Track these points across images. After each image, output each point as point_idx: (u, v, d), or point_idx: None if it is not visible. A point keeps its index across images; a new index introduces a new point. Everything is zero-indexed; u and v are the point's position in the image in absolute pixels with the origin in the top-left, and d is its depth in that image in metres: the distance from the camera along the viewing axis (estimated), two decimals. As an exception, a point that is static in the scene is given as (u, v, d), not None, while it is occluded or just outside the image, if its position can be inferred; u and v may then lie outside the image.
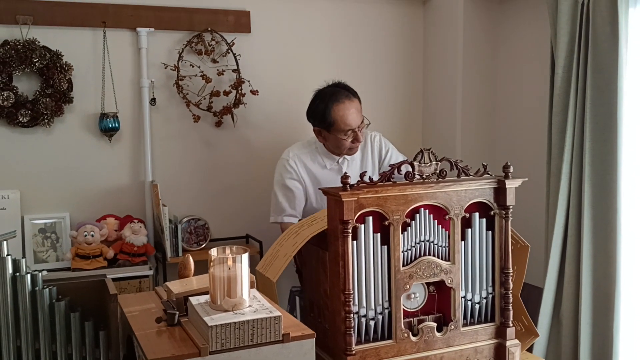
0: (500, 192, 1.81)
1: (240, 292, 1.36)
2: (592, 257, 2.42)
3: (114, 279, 1.64)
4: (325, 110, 2.55)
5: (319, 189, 1.82)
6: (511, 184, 1.79)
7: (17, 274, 1.36)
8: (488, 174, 1.81)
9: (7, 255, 1.36)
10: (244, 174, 3.18)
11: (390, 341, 1.71)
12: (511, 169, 1.80)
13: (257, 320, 1.29)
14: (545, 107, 2.65)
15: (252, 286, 1.45)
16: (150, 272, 2.77)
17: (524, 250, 1.94)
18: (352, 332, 1.63)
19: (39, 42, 2.75)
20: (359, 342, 1.68)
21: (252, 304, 1.39)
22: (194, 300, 1.40)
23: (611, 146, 2.36)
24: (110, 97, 2.91)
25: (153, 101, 2.97)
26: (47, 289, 1.38)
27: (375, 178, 1.62)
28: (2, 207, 2.76)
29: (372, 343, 1.70)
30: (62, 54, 2.79)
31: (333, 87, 2.64)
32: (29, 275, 1.37)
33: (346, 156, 2.68)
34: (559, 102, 2.52)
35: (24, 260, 1.40)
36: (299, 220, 2.58)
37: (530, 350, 2.38)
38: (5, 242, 1.38)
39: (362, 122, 2.58)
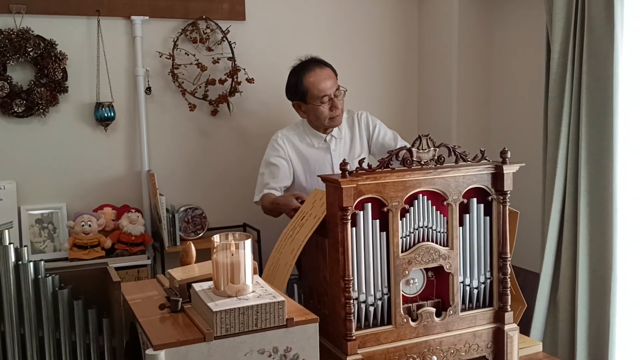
0: (497, 177, 1.82)
1: (243, 278, 1.37)
2: (588, 241, 2.44)
3: (112, 269, 1.65)
4: (297, 81, 2.62)
5: (318, 176, 1.83)
6: (509, 170, 1.81)
7: (20, 262, 1.37)
8: (486, 159, 1.82)
9: (10, 243, 1.36)
10: (241, 162, 3.18)
11: (389, 326, 1.73)
12: (509, 155, 1.81)
13: (261, 306, 1.30)
14: (540, 93, 2.66)
15: (254, 272, 1.45)
16: (149, 262, 2.78)
17: (513, 216, 1.96)
18: (352, 317, 1.65)
19: (32, 31, 2.73)
20: (358, 328, 1.69)
21: (255, 289, 1.40)
22: (197, 286, 1.41)
23: (607, 131, 2.37)
24: (106, 87, 2.89)
25: (148, 90, 2.96)
26: (49, 277, 1.38)
27: (365, 155, 1.62)
28: (-2, 197, 2.75)
29: (372, 328, 1.71)
30: (56, 43, 2.78)
31: (305, 61, 2.70)
32: (31, 264, 1.37)
33: (334, 134, 2.69)
34: (555, 88, 2.52)
35: (25, 248, 1.40)
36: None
37: (527, 334, 2.41)
38: (7, 231, 1.38)
39: (338, 89, 2.62)
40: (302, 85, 2.61)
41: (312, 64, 2.65)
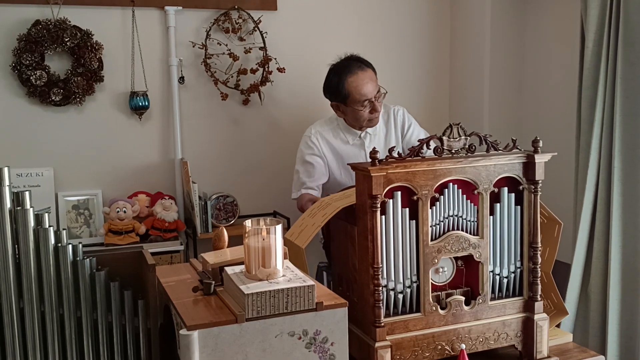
0: (529, 166, 1.80)
1: (274, 262, 1.39)
2: (621, 232, 2.41)
3: (145, 254, 1.68)
4: (339, 83, 2.57)
5: (348, 164, 1.84)
6: (540, 159, 1.79)
7: (59, 244, 1.41)
8: (517, 148, 1.81)
9: (50, 226, 1.41)
10: (271, 151, 3.21)
11: (418, 314, 1.73)
12: (540, 144, 1.79)
13: (292, 289, 1.32)
14: (573, 82, 2.63)
15: (285, 257, 1.48)
16: (181, 248, 2.83)
17: (553, 225, 1.93)
18: (380, 304, 1.65)
19: (69, 21, 2.80)
20: (387, 315, 1.70)
21: (285, 273, 1.42)
22: (229, 270, 1.44)
23: (642, 121, 2.34)
24: (140, 76, 2.95)
25: (182, 79, 3.01)
26: (87, 260, 1.42)
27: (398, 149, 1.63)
28: (36, 184, 2.82)
29: (401, 316, 1.71)
30: (92, 33, 2.83)
31: (346, 60, 2.65)
32: (70, 246, 1.41)
33: (368, 130, 2.69)
34: (589, 77, 2.49)
35: (64, 231, 1.44)
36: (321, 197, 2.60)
37: (557, 325, 2.39)
38: (46, 215, 1.43)
39: (379, 91, 2.59)
40: (343, 89, 2.56)
41: (354, 65, 2.59)
